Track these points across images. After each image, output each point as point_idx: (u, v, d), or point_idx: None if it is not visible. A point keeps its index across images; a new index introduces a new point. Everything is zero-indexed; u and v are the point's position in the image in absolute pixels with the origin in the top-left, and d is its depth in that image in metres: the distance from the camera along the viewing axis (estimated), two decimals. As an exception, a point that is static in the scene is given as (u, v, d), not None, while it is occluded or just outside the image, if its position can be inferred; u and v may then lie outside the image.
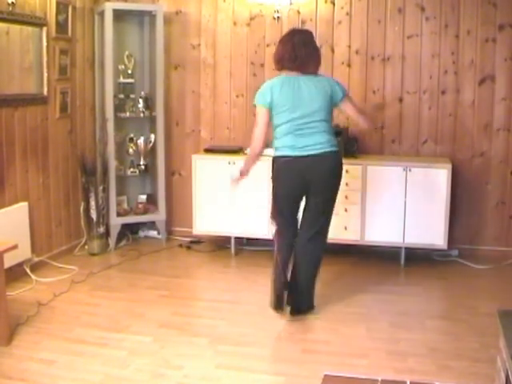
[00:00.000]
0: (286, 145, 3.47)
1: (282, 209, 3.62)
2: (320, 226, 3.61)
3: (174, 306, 3.83)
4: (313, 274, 3.66)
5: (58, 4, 4.43)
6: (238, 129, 5.15)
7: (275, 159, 3.55)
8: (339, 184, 3.61)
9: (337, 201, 3.65)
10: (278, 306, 3.60)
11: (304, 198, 3.62)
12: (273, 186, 3.62)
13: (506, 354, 2.13)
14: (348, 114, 3.77)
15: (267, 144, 3.63)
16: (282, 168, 3.51)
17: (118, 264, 4.67)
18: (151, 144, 5.15)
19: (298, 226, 3.66)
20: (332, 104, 3.52)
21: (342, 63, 4.90)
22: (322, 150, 3.45)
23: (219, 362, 3.07)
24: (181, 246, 5.14)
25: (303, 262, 3.61)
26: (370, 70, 4.86)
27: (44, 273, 4.33)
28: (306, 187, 3.52)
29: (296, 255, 3.62)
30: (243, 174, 3.70)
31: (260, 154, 3.62)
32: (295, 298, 3.64)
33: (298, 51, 3.45)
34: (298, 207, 3.65)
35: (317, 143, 3.45)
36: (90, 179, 4.78)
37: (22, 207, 4.21)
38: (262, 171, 4.68)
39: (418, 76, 4.78)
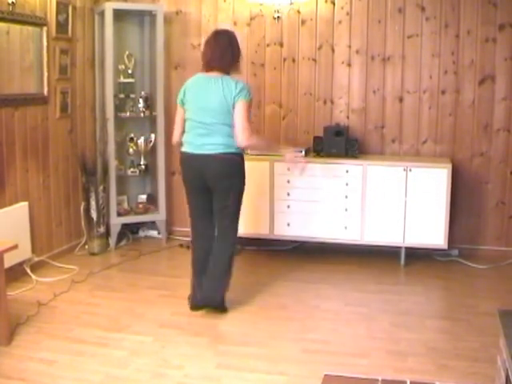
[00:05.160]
0: (187, 141, 3.62)
1: (190, 201, 3.72)
2: (224, 227, 3.65)
3: (174, 306, 3.83)
4: (216, 275, 3.63)
5: (58, 4, 4.43)
6: (238, 129, 5.14)
7: (180, 152, 3.68)
8: (237, 185, 3.61)
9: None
10: (192, 306, 3.69)
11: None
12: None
13: (506, 354, 2.13)
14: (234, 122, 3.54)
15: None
16: (183, 163, 3.66)
17: (118, 264, 4.67)
18: (151, 144, 5.15)
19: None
20: (232, 108, 3.49)
21: (342, 63, 4.90)
22: (217, 151, 3.50)
23: (219, 362, 3.07)
24: (181, 245, 5.14)
25: (211, 260, 3.65)
26: (370, 70, 4.87)
27: (44, 273, 4.34)
28: (204, 183, 3.59)
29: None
30: None
31: (175, 146, 3.80)
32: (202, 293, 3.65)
33: (223, 54, 3.53)
34: (204, 201, 3.67)
35: (212, 143, 3.51)
36: (91, 179, 4.78)
37: (22, 207, 4.21)
38: (263, 171, 4.69)
39: (417, 76, 4.78)
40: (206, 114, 3.51)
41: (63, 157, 4.73)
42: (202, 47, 3.71)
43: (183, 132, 3.67)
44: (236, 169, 3.59)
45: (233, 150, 3.54)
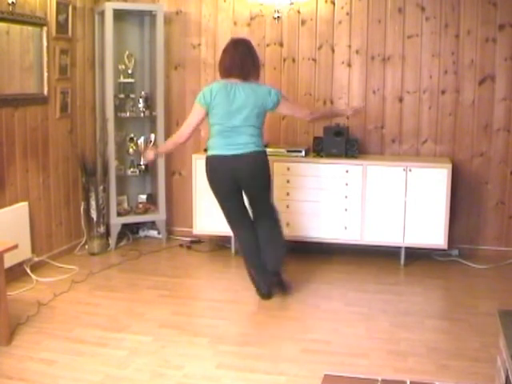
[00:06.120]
0: (217, 144, 3.77)
1: (225, 204, 3.89)
2: (267, 209, 3.94)
3: (174, 306, 3.83)
4: (279, 246, 3.97)
5: (58, 4, 4.43)
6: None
7: (208, 157, 3.83)
8: (268, 177, 3.89)
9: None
10: (264, 293, 3.90)
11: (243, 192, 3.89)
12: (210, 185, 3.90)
13: (506, 354, 2.14)
14: (286, 114, 4.26)
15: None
16: (213, 166, 3.80)
17: (118, 264, 4.67)
18: (151, 144, 5.14)
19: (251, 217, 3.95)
20: (264, 111, 3.80)
21: (342, 63, 4.90)
22: (247, 150, 3.72)
23: (219, 362, 3.07)
24: (181, 245, 5.14)
25: (269, 237, 3.91)
26: (370, 70, 4.87)
27: (44, 273, 4.34)
28: (236, 182, 3.79)
29: (261, 241, 3.91)
30: (155, 153, 4.04)
31: (181, 144, 3.96)
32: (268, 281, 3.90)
33: (242, 61, 3.73)
34: (238, 200, 3.88)
35: (242, 143, 3.72)
36: (91, 179, 4.78)
37: (22, 207, 4.21)
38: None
39: (418, 76, 4.78)
40: (235, 118, 3.71)
41: (63, 157, 4.73)
42: (220, 55, 3.84)
43: (196, 129, 3.87)
44: (267, 164, 3.85)
45: (263, 149, 3.84)
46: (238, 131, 3.72)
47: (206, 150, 3.95)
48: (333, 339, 3.35)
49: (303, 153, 4.68)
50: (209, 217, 4.82)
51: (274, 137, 5.08)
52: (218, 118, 3.73)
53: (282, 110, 3.95)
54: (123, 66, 5.03)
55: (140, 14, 5.11)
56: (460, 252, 4.82)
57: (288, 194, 4.69)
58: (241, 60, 3.73)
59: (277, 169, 4.66)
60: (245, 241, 3.93)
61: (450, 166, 4.45)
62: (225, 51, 3.81)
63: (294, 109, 4.10)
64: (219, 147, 3.75)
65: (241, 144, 3.72)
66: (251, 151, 3.73)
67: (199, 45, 5.13)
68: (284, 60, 5.02)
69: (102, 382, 2.86)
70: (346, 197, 4.59)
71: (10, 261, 3.62)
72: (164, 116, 5.06)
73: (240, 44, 3.81)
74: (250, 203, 3.93)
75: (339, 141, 4.67)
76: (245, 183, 3.80)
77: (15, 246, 3.25)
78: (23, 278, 4.16)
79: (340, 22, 4.86)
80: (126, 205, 5.30)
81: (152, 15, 4.99)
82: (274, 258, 3.90)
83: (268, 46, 5.02)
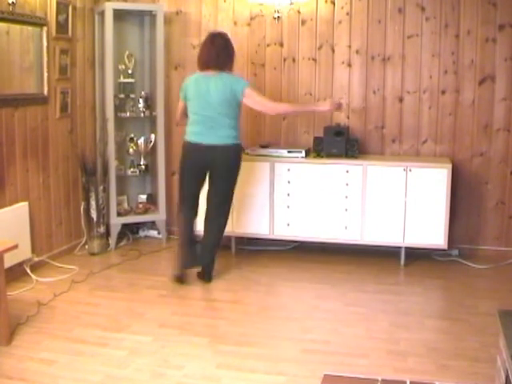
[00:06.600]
0: (192, 131, 4.06)
1: (183, 185, 4.18)
2: (220, 205, 4.17)
3: (174, 306, 3.83)
4: (212, 245, 4.25)
5: (58, 4, 4.43)
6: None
7: (184, 142, 4.13)
8: (233, 170, 4.11)
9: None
10: (175, 275, 4.18)
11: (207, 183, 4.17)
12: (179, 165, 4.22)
13: (506, 354, 2.14)
14: (252, 107, 4.13)
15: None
16: (186, 151, 4.10)
17: (118, 264, 4.67)
18: (151, 144, 5.15)
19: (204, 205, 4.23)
20: (236, 101, 3.98)
21: (342, 63, 4.90)
22: (222, 142, 3.98)
23: (219, 362, 3.07)
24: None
25: (206, 237, 4.23)
26: (370, 70, 4.87)
27: (44, 273, 4.34)
28: (203, 171, 4.10)
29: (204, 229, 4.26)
30: None
31: (178, 125, 4.54)
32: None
33: (219, 54, 3.96)
34: (197, 188, 4.17)
35: (217, 135, 3.98)
36: (91, 179, 4.78)
37: (22, 207, 4.21)
38: (263, 171, 4.70)
39: (418, 76, 4.78)
40: (209, 108, 3.96)
41: (63, 157, 4.73)
42: (199, 49, 4.11)
43: (184, 115, 4.18)
44: (238, 157, 4.10)
45: (236, 141, 4.05)
46: (212, 121, 3.96)
47: None
48: (333, 339, 3.35)
49: (303, 153, 4.68)
50: (209, 217, 4.82)
51: (274, 137, 5.09)
52: (194, 108, 4.03)
53: (247, 103, 4.04)
54: (123, 66, 5.03)
55: (140, 14, 5.11)
56: (460, 252, 4.82)
57: (288, 194, 4.69)
58: (217, 53, 3.96)
59: (277, 169, 4.66)
60: (184, 221, 4.21)
61: (449, 165, 4.45)
62: (203, 45, 4.05)
63: (255, 104, 4.07)
64: (194, 135, 4.03)
65: (212, 134, 3.97)
66: (223, 143, 3.98)
67: (199, 45, 5.11)
68: (284, 60, 5.02)
69: (102, 382, 2.86)
70: (347, 197, 4.59)
71: (10, 261, 3.62)
72: (164, 116, 5.06)
73: (216, 37, 4.02)
74: (208, 193, 4.18)
75: (339, 141, 4.67)
76: (211, 171, 4.07)
77: (15, 246, 3.25)
78: (23, 278, 4.16)
79: (340, 22, 4.86)
80: (126, 205, 5.30)
81: (152, 15, 4.99)
82: (202, 255, 4.22)
83: (268, 45, 5.02)
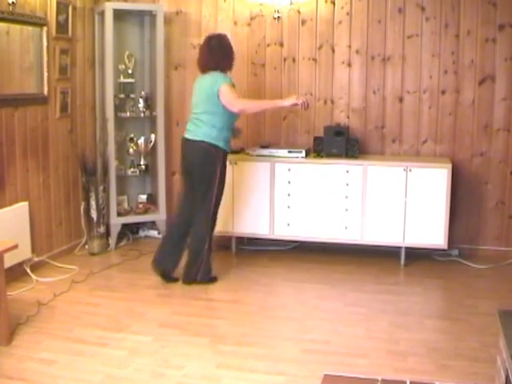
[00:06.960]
0: (187, 127, 4.14)
1: (182, 182, 4.27)
2: (199, 212, 4.08)
3: (174, 306, 3.83)
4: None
5: (58, 4, 4.43)
6: (238, 129, 5.15)
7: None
8: (208, 176, 3.99)
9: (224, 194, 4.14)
10: (155, 266, 4.20)
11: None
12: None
13: (506, 354, 2.14)
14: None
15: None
16: (180, 147, 4.18)
17: (118, 264, 4.67)
18: (151, 144, 5.15)
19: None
20: (214, 98, 3.94)
21: (343, 63, 4.90)
22: (196, 138, 3.98)
23: (219, 362, 3.07)
24: (181, 245, 5.13)
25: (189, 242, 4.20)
26: (370, 70, 4.87)
27: (44, 273, 4.34)
28: (188, 167, 4.10)
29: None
30: None
31: None
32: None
33: (213, 55, 4.00)
34: (189, 184, 4.13)
35: (195, 131, 4.01)
36: (91, 179, 4.78)
37: (22, 207, 4.21)
38: (263, 171, 4.70)
39: (418, 76, 4.78)
40: (196, 107, 4.05)
41: (63, 157, 4.73)
42: (201, 54, 4.10)
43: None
44: (209, 158, 3.98)
45: (210, 140, 3.96)
46: (197, 118, 4.02)
47: None
48: (332, 339, 3.35)
49: (303, 153, 4.68)
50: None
51: (274, 137, 5.09)
52: (189, 107, 4.18)
53: (222, 101, 3.93)
54: (123, 66, 5.03)
55: (140, 14, 5.11)
56: (460, 252, 4.82)
57: (289, 194, 4.69)
58: (212, 55, 4.01)
59: (278, 170, 4.66)
60: (176, 217, 4.26)
61: (449, 166, 4.45)
62: (199, 49, 4.14)
63: (226, 103, 3.92)
64: (185, 132, 4.11)
65: (192, 130, 4.03)
66: (196, 139, 3.98)
67: (199, 45, 5.10)
68: (284, 60, 5.02)
69: (102, 382, 2.86)
70: (347, 197, 4.59)
71: (10, 261, 3.62)
72: (164, 116, 5.06)
73: (211, 39, 4.07)
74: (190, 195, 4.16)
75: (339, 141, 4.67)
76: (189, 169, 4.08)
77: (15, 246, 3.25)
78: (23, 278, 4.16)
79: (340, 22, 4.86)
80: (126, 205, 5.30)
81: (152, 15, 4.99)
82: (168, 257, 4.20)
83: (268, 45, 5.02)
